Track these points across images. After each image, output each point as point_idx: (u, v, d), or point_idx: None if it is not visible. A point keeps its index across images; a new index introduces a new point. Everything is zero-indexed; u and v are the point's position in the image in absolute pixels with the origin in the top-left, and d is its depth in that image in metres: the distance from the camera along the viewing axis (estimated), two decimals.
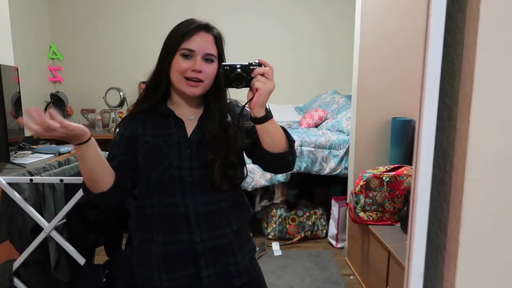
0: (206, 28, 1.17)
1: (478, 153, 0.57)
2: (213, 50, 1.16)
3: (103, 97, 3.84)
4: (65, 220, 1.63)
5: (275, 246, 3.14)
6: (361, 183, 2.46)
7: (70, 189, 1.59)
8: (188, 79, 1.14)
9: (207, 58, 1.15)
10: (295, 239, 3.24)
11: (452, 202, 0.60)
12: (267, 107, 1.09)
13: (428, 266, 0.67)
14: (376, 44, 2.72)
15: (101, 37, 4.15)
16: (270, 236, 3.28)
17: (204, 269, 1.18)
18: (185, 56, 1.13)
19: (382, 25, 2.70)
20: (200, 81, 1.14)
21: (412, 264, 0.62)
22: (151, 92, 1.21)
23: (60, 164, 1.85)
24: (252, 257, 1.29)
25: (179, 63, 1.13)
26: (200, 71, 1.13)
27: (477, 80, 0.55)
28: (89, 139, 1.07)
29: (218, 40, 1.19)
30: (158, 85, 1.19)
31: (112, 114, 3.93)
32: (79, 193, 1.56)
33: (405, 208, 2.34)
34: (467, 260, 0.59)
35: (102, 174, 1.13)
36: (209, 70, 1.14)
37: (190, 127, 1.20)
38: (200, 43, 1.14)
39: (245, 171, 1.25)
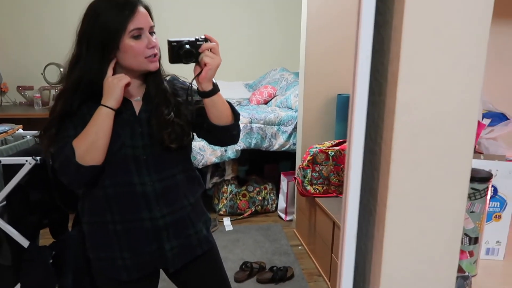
0: (141, 2, 1.14)
1: (403, 126, 0.63)
2: (152, 22, 1.15)
3: (42, 73, 3.61)
4: (5, 202, 1.56)
5: (226, 221, 3.20)
6: (308, 157, 2.56)
7: (10, 170, 1.52)
8: (148, 57, 1.12)
9: (151, 32, 1.14)
10: (246, 214, 3.32)
11: (381, 170, 0.66)
12: (214, 81, 1.13)
13: (361, 228, 0.73)
14: (322, 23, 2.78)
15: (36, 6, 3.86)
16: (221, 212, 3.33)
17: (166, 242, 1.21)
18: (136, 37, 1.10)
19: (328, 5, 2.76)
20: (156, 55, 1.14)
21: (347, 227, 0.68)
22: (86, 87, 1.11)
23: None
24: (208, 228, 1.34)
25: (134, 47, 1.09)
26: (155, 45, 1.13)
27: (403, 59, 0.60)
28: None
29: (151, 11, 1.17)
30: (98, 80, 1.10)
31: (52, 92, 3.72)
32: (20, 174, 1.49)
33: None
34: (394, 222, 0.66)
35: (107, 146, 1.11)
36: (157, 42, 1.14)
37: (137, 107, 1.20)
38: (144, 18, 1.11)
39: (191, 133, 1.25)
